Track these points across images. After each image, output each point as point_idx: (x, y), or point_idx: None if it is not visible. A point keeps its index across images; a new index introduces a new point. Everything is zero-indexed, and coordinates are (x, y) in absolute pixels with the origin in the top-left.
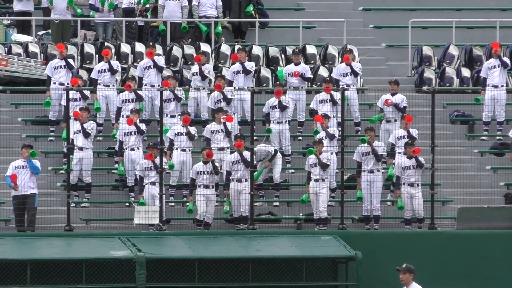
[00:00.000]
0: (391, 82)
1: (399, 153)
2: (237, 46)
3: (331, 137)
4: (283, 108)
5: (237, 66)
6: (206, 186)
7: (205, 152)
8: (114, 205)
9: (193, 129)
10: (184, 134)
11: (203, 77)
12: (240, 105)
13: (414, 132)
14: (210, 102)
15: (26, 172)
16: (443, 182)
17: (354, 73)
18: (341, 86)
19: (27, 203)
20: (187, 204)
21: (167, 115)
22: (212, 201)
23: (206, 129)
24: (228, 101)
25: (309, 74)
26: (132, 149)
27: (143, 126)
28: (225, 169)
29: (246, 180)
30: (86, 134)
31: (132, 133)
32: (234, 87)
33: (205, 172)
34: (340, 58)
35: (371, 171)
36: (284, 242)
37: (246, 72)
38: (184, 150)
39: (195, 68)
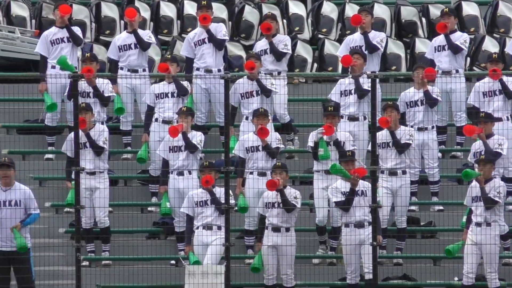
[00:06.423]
0: None
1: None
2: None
3: (494, 155)
4: (432, 104)
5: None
6: (276, 229)
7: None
8: (150, 264)
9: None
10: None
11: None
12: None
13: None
14: (234, 96)
15: (7, 211)
16: None
17: None
18: None
19: (14, 263)
20: (250, 260)
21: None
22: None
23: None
24: (267, 93)
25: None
26: (180, 173)
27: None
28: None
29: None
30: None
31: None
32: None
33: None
34: None
35: None
36: None
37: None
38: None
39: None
